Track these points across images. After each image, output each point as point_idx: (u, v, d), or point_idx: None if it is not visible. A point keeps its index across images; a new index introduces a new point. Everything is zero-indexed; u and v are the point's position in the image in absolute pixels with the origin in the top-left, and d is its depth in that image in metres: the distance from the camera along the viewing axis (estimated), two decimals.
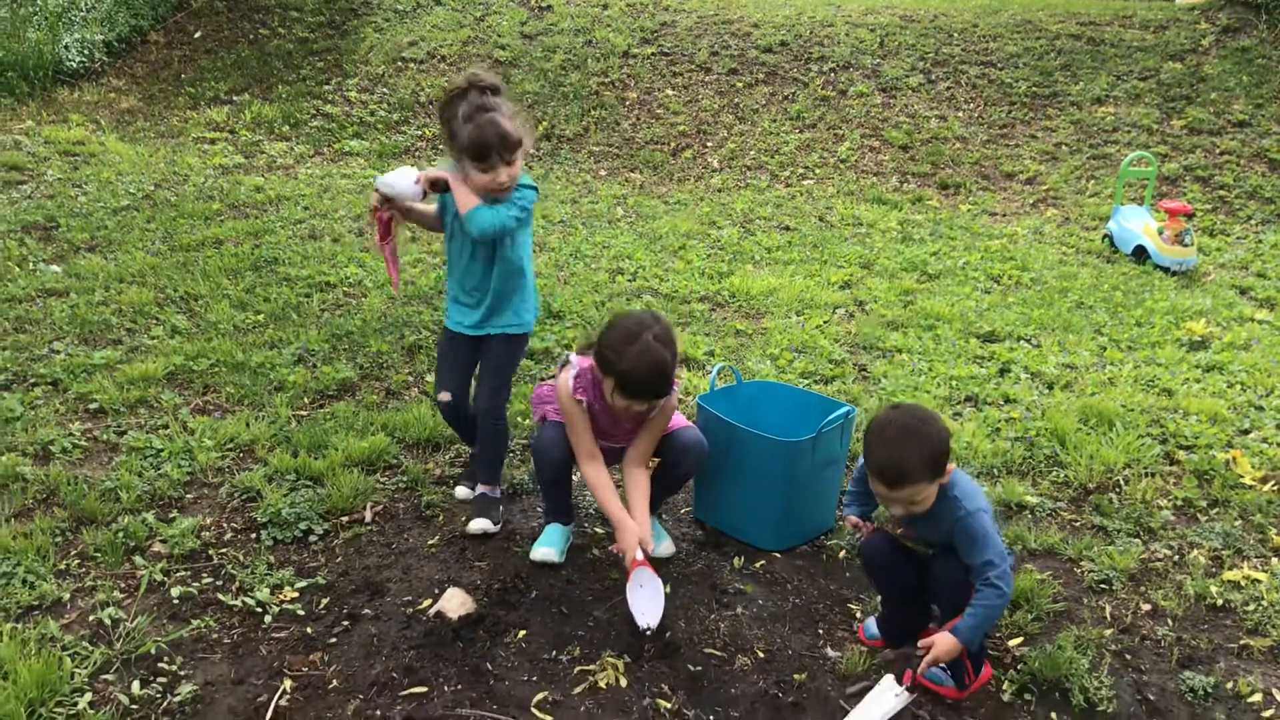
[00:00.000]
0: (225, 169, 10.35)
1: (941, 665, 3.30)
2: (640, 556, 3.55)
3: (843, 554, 4.12)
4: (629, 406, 3.59)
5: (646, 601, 3.51)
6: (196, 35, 14.12)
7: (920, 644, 3.16)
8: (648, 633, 3.44)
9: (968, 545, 3.15)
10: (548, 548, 3.90)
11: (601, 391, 3.66)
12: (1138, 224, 8.76)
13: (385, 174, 3.77)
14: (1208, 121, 11.37)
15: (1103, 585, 3.95)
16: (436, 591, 3.68)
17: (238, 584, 3.69)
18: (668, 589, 3.71)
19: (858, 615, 3.70)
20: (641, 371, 3.46)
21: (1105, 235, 9.25)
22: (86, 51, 13.14)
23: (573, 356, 3.79)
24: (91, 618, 3.44)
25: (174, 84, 13.02)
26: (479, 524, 4.05)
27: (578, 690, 3.23)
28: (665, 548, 4.02)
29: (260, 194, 9.30)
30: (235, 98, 12.61)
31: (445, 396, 4.13)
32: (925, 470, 3.08)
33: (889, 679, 3.15)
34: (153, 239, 7.73)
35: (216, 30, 14.21)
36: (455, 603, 3.57)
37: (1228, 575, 4.01)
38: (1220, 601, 3.85)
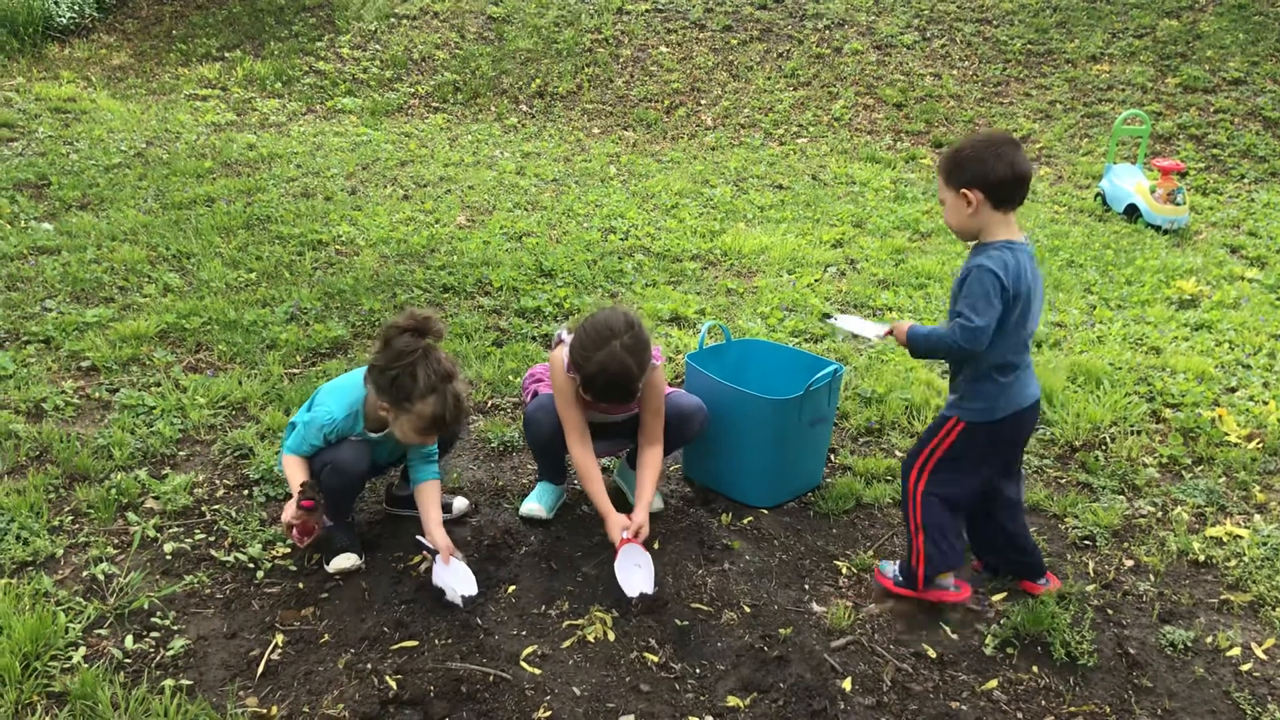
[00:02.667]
0: (217, 126, 10.29)
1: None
2: (626, 537, 3.59)
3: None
4: (594, 403, 3.70)
5: (635, 575, 3.54)
6: None
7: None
8: (636, 605, 3.45)
9: (959, 290, 3.21)
10: (536, 504, 3.94)
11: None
12: (1130, 182, 8.76)
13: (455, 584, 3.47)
14: (1203, 79, 11.32)
15: (1086, 541, 4.00)
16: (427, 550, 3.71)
17: (230, 540, 3.73)
18: (656, 545, 3.75)
19: (843, 571, 3.74)
20: (603, 379, 3.53)
21: (1098, 194, 9.24)
22: (77, 7, 13.02)
23: (564, 334, 3.81)
24: (85, 573, 3.48)
25: (165, 40, 12.91)
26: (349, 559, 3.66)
27: (566, 644, 3.28)
28: (654, 503, 4.06)
29: (252, 152, 9.26)
30: (227, 54, 12.51)
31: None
32: (944, 166, 3.25)
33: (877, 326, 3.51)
34: (145, 197, 7.70)
35: None
36: None
37: (1210, 531, 4.06)
38: (1202, 557, 3.89)
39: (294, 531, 3.56)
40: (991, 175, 3.15)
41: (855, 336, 3.57)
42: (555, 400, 3.77)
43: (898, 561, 3.64)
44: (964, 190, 3.18)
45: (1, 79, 11.12)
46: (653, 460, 3.81)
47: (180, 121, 10.22)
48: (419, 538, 3.56)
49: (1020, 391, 3.30)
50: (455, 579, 3.45)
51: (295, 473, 3.54)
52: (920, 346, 3.30)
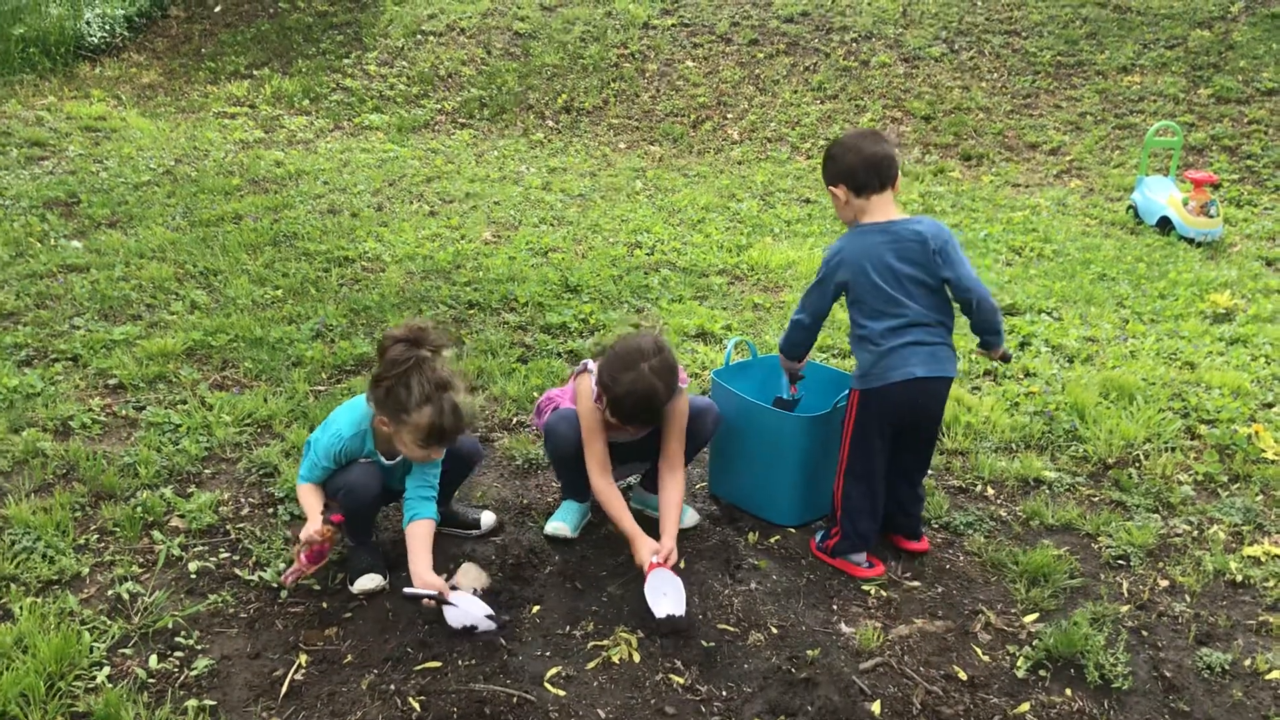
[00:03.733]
0: (245, 144, 10.36)
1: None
2: (656, 561, 3.55)
3: None
4: (622, 426, 3.68)
5: (665, 597, 3.49)
6: (216, 9, 14.13)
7: None
8: (663, 627, 3.39)
9: None
10: (561, 523, 3.91)
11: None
12: (1162, 195, 8.66)
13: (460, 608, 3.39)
14: (1236, 90, 11.20)
15: (1120, 561, 3.93)
16: (451, 566, 3.68)
17: (255, 559, 3.71)
18: (682, 563, 3.71)
19: (871, 592, 3.69)
20: (631, 401, 3.54)
21: (1129, 206, 9.14)
22: (108, 26, 13.18)
23: (591, 364, 3.80)
24: (110, 592, 3.48)
25: (194, 58, 13.04)
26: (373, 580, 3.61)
27: (591, 665, 3.24)
28: (690, 518, 4.07)
29: (280, 169, 9.32)
30: (255, 72, 12.62)
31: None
32: (823, 166, 3.69)
33: None
34: (173, 214, 7.75)
35: (236, 4, 14.21)
36: (470, 577, 3.58)
37: (1248, 551, 3.98)
38: (1240, 578, 3.81)
39: (304, 555, 3.46)
40: (846, 168, 3.56)
41: None
42: (581, 430, 3.76)
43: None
44: (831, 188, 3.63)
45: (33, 98, 11.24)
46: (675, 486, 3.78)
47: (209, 139, 10.30)
48: (406, 590, 3.40)
49: (897, 366, 3.52)
50: (473, 607, 3.41)
51: (312, 500, 3.52)
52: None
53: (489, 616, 3.37)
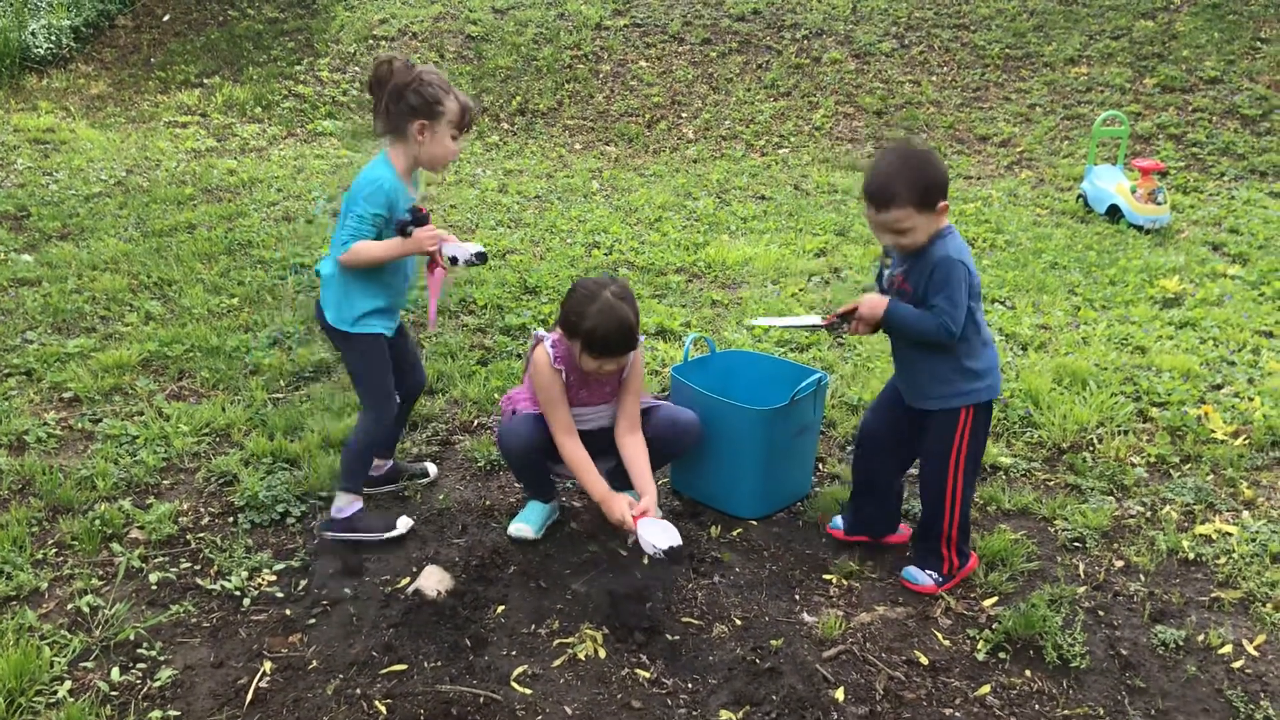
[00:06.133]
0: (197, 153, 10.28)
1: (924, 569, 3.65)
2: (636, 513, 3.53)
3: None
4: (600, 366, 3.62)
5: (658, 534, 3.45)
6: (165, 18, 13.99)
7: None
8: (670, 553, 3.38)
9: (936, 283, 3.32)
10: (524, 524, 3.91)
11: (574, 358, 3.68)
12: (1111, 183, 8.78)
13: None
14: (1180, 79, 11.38)
15: (1076, 543, 3.99)
16: (414, 569, 3.69)
17: (216, 568, 3.70)
18: (645, 561, 3.74)
19: (833, 580, 3.73)
20: (605, 328, 3.50)
21: (1079, 195, 9.26)
22: (54, 38, 13.01)
23: (542, 332, 3.79)
24: (70, 606, 3.45)
25: (143, 68, 12.91)
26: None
27: (557, 663, 3.26)
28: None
29: (233, 177, 9.25)
30: (206, 80, 12.52)
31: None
32: (912, 195, 3.22)
33: (813, 316, 3.49)
34: (125, 225, 7.68)
35: (185, 13, 14.09)
36: (433, 580, 3.59)
37: (1199, 529, 4.05)
38: (1192, 555, 3.89)
39: (434, 273, 3.79)
40: (945, 180, 3.33)
41: (806, 328, 3.95)
42: (540, 400, 3.73)
43: (922, 568, 3.68)
44: (940, 203, 3.30)
45: None
46: (639, 450, 3.77)
47: (160, 149, 10.21)
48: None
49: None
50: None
51: (377, 245, 3.61)
52: (904, 324, 3.41)
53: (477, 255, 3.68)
